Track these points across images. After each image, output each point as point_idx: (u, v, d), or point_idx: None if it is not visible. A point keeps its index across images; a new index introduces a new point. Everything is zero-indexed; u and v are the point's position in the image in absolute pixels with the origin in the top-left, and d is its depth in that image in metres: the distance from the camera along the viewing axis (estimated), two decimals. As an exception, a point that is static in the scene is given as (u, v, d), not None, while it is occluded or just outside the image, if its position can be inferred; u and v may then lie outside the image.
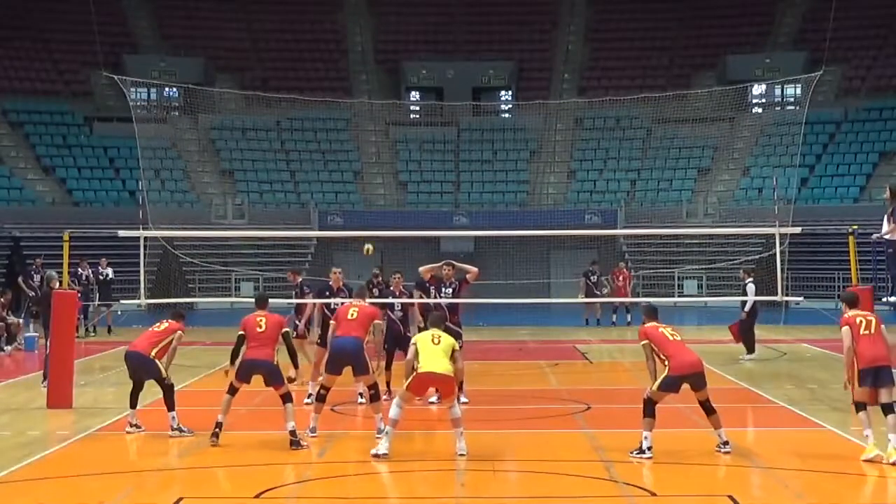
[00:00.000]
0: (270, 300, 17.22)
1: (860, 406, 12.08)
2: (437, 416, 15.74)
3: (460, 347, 16.56)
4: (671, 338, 12.47)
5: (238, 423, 13.83)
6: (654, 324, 12.72)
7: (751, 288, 22.91)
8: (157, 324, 14.31)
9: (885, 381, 11.95)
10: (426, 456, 12.51)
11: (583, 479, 11.51)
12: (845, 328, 12.23)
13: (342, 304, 15.02)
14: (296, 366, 13.61)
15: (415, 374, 12.48)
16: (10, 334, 25.42)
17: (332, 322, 14.35)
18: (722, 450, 12.35)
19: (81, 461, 12.70)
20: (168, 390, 13.83)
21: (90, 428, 14.34)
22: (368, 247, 20.33)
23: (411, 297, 17.21)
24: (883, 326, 12.36)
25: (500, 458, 12.61)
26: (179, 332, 14.08)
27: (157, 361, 13.86)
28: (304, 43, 54.79)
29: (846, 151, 48.16)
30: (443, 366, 12.51)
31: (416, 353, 12.61)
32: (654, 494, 10.72)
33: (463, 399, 16.43)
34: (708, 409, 12.48)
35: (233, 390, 13.30)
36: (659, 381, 12.35)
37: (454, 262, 17.00)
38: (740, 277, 23.56)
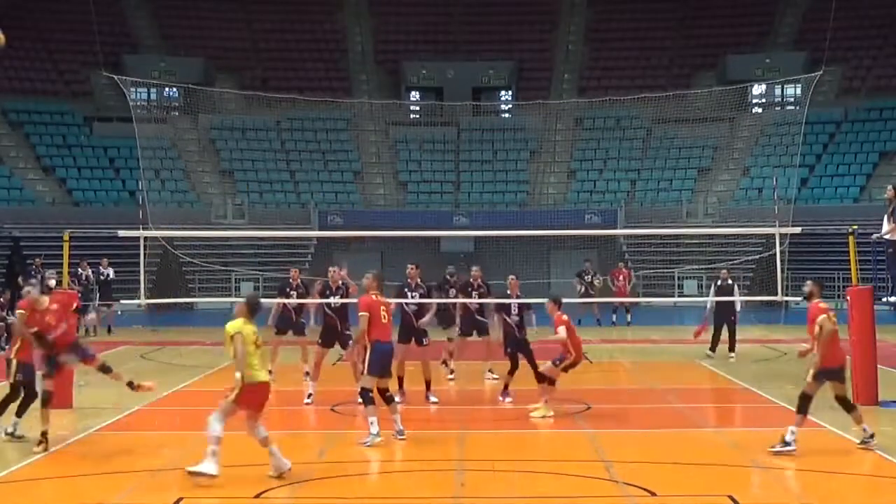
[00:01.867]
0: (269, 300, 17.26)
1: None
2: (438, 416, 15.76)
3: (426, 345, 16.51)
4: (834, 327, 12.50)
5: (238, 422, 13.81)
6: (825, 304, 12.66)
7: (735, 287, 22.93)
8: None
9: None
10: (426, 456, 12.51)
11: (583, 479, 11.51)
12: (562, 328, 14.96)
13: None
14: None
15: (244, 385, 11.26)
16: (10, 334, 25.37)
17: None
18: (869, 442, 12.49)
19: (81, 461, 12.69)
20: (9, 393, 13.65)
21: (90, 428, 14.34)
22: None
23: (427, 293, 17.15)
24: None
25: (500, 458, 12.61)
26: (20, 311, 13.70)
27: (14, 361, 13.67)
28: (304, 43, 54.79)
29: (846, 151, 48.16)
30: (266, 375, 11.75)
31: (244, 353, 11.23)
32: (654, 494, 10.72)
33: (433, 399, 16.42)
34: (847, 406, 12.72)
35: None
36: (813, 371, 12.47)
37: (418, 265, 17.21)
38: (723, 277, 23.42)
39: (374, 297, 13.50)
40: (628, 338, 28.76)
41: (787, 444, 12.23)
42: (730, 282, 23.12)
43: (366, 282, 13.78)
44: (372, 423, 13.04)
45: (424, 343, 16.53)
